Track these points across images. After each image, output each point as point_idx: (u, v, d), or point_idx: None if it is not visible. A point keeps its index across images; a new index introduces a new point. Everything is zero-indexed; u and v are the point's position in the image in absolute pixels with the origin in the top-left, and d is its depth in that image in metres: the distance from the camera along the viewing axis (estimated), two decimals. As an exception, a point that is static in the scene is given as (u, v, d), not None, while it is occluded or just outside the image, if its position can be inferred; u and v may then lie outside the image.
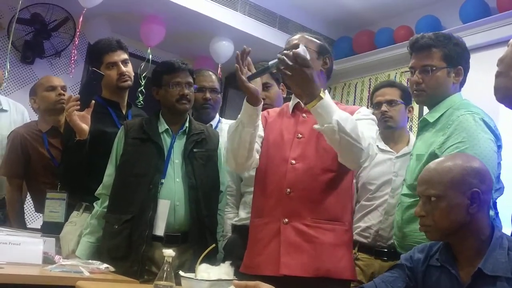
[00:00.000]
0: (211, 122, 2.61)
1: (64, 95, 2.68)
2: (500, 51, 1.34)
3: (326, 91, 1.89)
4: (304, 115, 1.87)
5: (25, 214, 2.95)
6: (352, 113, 1.84)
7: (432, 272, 1.49)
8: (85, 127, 2.12)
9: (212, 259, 1.69)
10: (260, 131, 1.89)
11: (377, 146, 2.45)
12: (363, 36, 4.77)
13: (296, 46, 1.68)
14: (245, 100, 1.75)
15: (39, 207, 2.65)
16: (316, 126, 1.66)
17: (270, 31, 4.61)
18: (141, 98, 4.21)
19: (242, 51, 1.70)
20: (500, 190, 1.86)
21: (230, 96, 5.41)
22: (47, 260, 1.86)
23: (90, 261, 1.87)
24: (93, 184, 2.19)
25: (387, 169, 2.40)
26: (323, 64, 1.89)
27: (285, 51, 1.63)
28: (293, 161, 1.79)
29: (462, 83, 1.97)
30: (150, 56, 4.29)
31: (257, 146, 1.85)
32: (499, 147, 1.81)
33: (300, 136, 1.82)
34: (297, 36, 1.92)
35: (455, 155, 1.52)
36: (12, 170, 2.73)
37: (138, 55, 4.60)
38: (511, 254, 1.37)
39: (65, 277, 1.62)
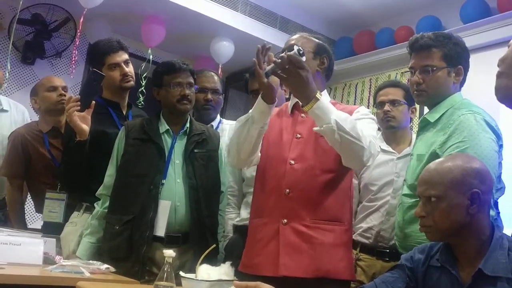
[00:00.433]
0: (212, 123, 2.61)
1: (65, 95, 2.68)
2: (501, 52, 1.34)
3: (325, 91, 1.91)
4: (302, 115, 1.87)
5: (25, 215, 2.95)
6: (351, 112, 1.84)
7: (432, 273, 1.49)
8: (86, 127, 2.12)
9: (212, 259, 1.70)
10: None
11: (379, 146, 2.45)
12: (363, 36, 4.77)
13: (291, 47, 1.68)
14: (259, 97, 1.75)
15: (40, 208, 2.65)
16: (315, 128, 1.66)
17: (271, 31, 4.61)
18: (141, 98, 4.22)
19: (263, 46, 1.70)
20: (502, 190, 1.85)
21: (231, 96, 5.41)
22: (48, 260, 1.86)
23: (90, 261, 1.87)
24: (93, 185, 2.19)
25: (389, 170, 2.39)
26: (320, 64, 1.88)
27: (280, 55, 1.63)
28: (292, 162, 1.79)
29: (462, 83, 1.97)
30: (151, 57, 4.30)
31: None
32: (501, 146, 1.81)
33: (299, 136, 1.82)
34: (295, 36, 1.92)
35: (455, 156, 1.52)
36: (12, 171, 2.73)
37: (139, 55, 4.60)
38: (511, 254, 1.37)
39: (65, 278, 1.62)
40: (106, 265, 1.81)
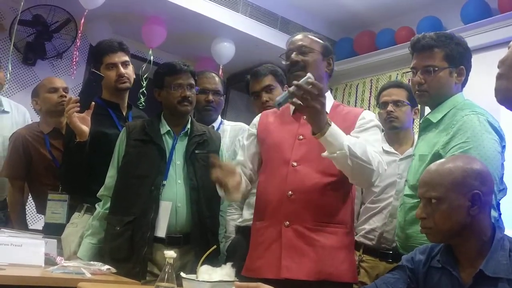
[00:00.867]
0: (213, 124, 2.62)
1: (65, 96, 2.68)
2: (502, 52, 1.33)
3: (328, 93, 1.90)
4: (305, 116, 1.86)
5: (26, 215, 2.95)
6: (355, 116, 1.83)
7: (433, 274, 1.49)
8: (85, 128, 2.13)
9: (213, 260, 1.70)
10: (254, 149, 1.94)
11: (382, 147, 2.45)
12: (364, 37, 4.76)
13: (304, 74, 1.61)
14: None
15: (41, 209, 2.66)
16: (325, 154, 1.63)
17: (272, 32, 4.61)
18: (142, 99, 4.22)
19: None
20: (504, 191, 1.84)
21: (232, 97, 5.41)
22: (49, 261, 1.86)
23: (91, 262, 1.87)
24: (94, 186, 2.19)
25: (391, 171, 2.38)
26: (327, 66, 1.88)
27: (295, 82, 1.55)
28: (295, 163, 1.78)
29: (464, 83, 1.96)
30: (152, 57, 4.30)
31: (252, 169, 1.92)
32: (503, 147, 1.81)
33: (301, 137, 1.82)
34: (299, 36, 1.90)
35: (456, 157, 1.52)
36: (14, 172, 2.73)
37: (140, 56, 4.61)
38: (512, 255, 1.37)
39: (66, 279, 1.62)
40: (107, 266, 1.81)
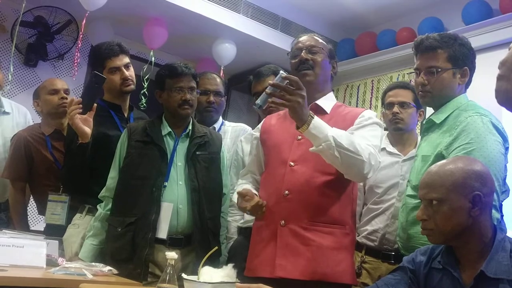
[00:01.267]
0: (214, 125, 2.62)
1: (66, 98, 2.69)
2: (503, 53, 1.33)
3: (331, 93, 1.94)
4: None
5: (28, 217, 2.95)
6: (356, 115, 1.84)
7: (434, 275, 1.49)
8: (87, 130, 2.13)
9: (215, 261, 1.70)
10: (259, 153, 1.95)
11: (385, 148, 2.45)
12: (365, 38, 4.76)
13: (277, 72, 1.68)
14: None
15: (42, 210, 2.66)
16: (312, 149, 1.65)
17: (273, 33, 4.61)
18: (144, 100, 4.22)
19: None
20: (506, 192, 1.84)
21: (233, 98, 5.42)
22: (51, 262, 1.87)
23: (93, 263, 1.87)
24: (95, 187, 2.19)
25: (394, 173, 2.38)
26: (332, 68, 1.91)
27: (270, 82, 1.61)
28: (292, 163, 1.79)
29: (467, 84, 1.96)
30: (153, 58, 4.30)
31: (260, 174, 1.94)
32: (507, 149, 1.80)
33: (300, 138, 1.82)
34: (305, 37, 1.92)
35: (457, 158, 1.52)
36: (15, 173, 2.73)
37: (141, 57, 4.61)
38: (513, 256, 1.37)
39: (68, 280, 1.62)
40: (108, 267, 1.82)
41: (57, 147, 2.69)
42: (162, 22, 4.34)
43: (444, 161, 1.52)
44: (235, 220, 2.44)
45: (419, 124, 2.75)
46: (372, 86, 4.77)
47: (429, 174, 1.47)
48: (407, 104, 2.41)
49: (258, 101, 1.65)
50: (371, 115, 1.85)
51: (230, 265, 1.54)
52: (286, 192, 1.76)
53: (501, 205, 1.80)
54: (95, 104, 2.17)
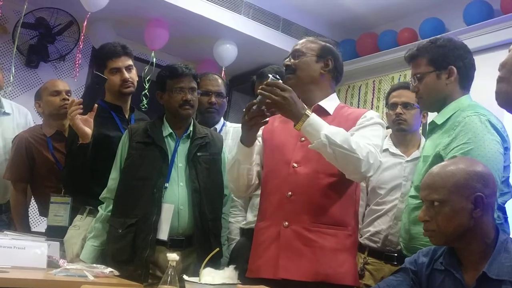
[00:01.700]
0: (216, 126, 2.62)
1: (68, 100, 2.69)
2: (504, 53, 1.33)
3: (334, 94, 1.94)
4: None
5: (29, 218, 2.95)
6: (358, 116, 1.84)
7: (436, 276, 1.48)
8: (88, 130, 2.13)
9: (216, 263, 1.70)
10: (260, 150, 1.93)
11: (388, 149, 2.45)
12: (366, 39, 4.76)
13: (279, 72, 1.78)
14: (239, 141, 1.83)
15: (44, 211, 2.66)
16: (310, 146, 1.69)
17: (274, 34, 4.61)
18: (145, 101, 4.23)
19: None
20: (509, 194, 1.83)
21: (234, 98, 5.42)
22: (52, 264, 1.87)
23: (94, 265, 1.87)
24: (96, 188, 2.19)
25: (397, 173, 2.38)
26: (324, 67, 1.89)
27: (260, 86, 1.70)
28: (295, 164, 1.79)
29: (464, 83, 1.94)
30: (154, 60, 4.30)
31: (257, 168, 1.91)
32: (506, 148, 1.80)
33: (303, 139, 1.82)
34: (302, 40, 1.95)
35: (458, 160, 1.52)
36: (16, 174, 2.74)
37: (142, 58, 4.61)
38: (516, 257, 1.36)
39: (69, 281, 1.62)
40: (110, 269, 1.81)
41: (58, 148, 2.69)
42: (163, 23, 4.34)
43: (445, 162, 1.52)
44: (237, 221, 2.44)
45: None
46: (374, 87, 4.77)
47: (431, 175, 1.47)
48: (411, 105, 2.41)
49: (253, 109, 1.73)
50: (373, 115, 1.85)
51: (231, 267, 1.54)
52: (289, 193, 1.76)
53: (504, 207, 1.80)
54: (96, 105, 2.17)
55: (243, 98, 5.41)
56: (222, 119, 2.71)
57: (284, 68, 1.93)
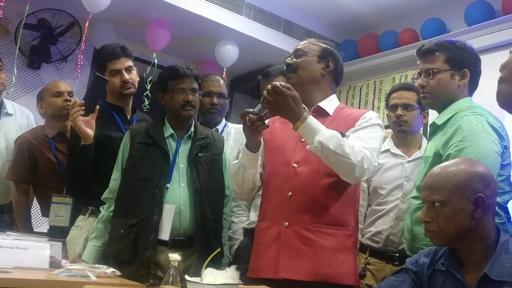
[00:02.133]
0: (217, 127, 2.62)
1: (70, 101, 2.69)
2: (506, 54, 1.33)
3: (334, 96, 1.95)
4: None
5: (31, 219, 2.96)
6: (358, 117, 1.84)
7: (437, 277, 1.48)
8: (90, 132, 2.14)
9: (217, 263, 1.70)
10: (261, 152, 1.94)
11: (389, 150, 2.45)
12: (367, 39, 4.76)
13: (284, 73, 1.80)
14: (244, 146, 1.84)
15: (46, 212, 2.66)
16: (307, 147, 1.71)
17: (275, 34, 4.62)
18: (146, 102, 4.23)
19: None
20: (510, 192, 1.83)
21: (236, 99, 5.42)
22: (54, 264, 1.87)
23: (96, 265, 1.87)
24: (98, 189, 2.20)
25: (398, 174, 2.39)
26: (325, 68, 1.90)
27: (264, 91, 1.72)
28: (295, 165, 1.80)
29: (472, 88, 1.97)
30: (156, 60, 4.31)
31: (260, 170, 1.92)
32: (506, 147, 1.80)
33: (303, 140, 1.82)
34: (303, 42, 1.96)
35: (459, 160, 1.52)
36: (19, 175, 2.74)
37: (144, 59, 4.62)
38: (517, 258, 1.36)
39: (72, 282, 1.62)
40: (112, 269, 1.82)
41: (60, 149, 2.70)
42: (165, 24, 4.35)
43: (446, 163, 1.52)
44: (241, 221, 2.44)
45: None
46: (375, 87, 4.77)
47: (432, 176, 1.47)
48: (411, 106, 2.41)
49: (256, 109, 1.75)
50: (372, 116, 1.85)
51: (233, 267, 1.54)
52: (290, 193, 1.77)
53: (506, 207, 1.80)
54: (98, 106, 2.18)
55: (244, 99, 5.41)
56: (223, 119, 2.71)
57: (285, 67, 1.94)
